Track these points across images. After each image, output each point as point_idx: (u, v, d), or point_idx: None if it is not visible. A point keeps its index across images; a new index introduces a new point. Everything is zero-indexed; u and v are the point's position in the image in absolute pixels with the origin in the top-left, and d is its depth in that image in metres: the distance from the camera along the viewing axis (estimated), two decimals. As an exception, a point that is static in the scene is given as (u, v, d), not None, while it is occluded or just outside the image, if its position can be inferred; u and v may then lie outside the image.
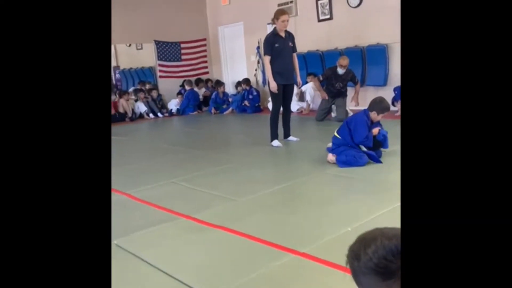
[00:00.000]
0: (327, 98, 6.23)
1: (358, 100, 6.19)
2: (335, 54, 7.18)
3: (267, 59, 4.59)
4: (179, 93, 9.03)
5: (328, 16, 7.36)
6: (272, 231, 2.36)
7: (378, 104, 3.58)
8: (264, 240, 2.22)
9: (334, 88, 6.13)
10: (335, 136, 3.71)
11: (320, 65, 7.49)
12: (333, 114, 6.36)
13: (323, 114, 6.32)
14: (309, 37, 7.64)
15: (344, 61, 5.98)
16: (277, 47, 4.57)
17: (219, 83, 9.03)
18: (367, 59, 6.80)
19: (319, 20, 7.49)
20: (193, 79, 9.36)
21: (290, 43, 4.71)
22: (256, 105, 8.17)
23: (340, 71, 6.05)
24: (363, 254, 0.88)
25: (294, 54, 4.81)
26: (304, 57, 7.80)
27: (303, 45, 7.80)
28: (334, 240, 2.12)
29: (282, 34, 4.62)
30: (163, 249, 2.27)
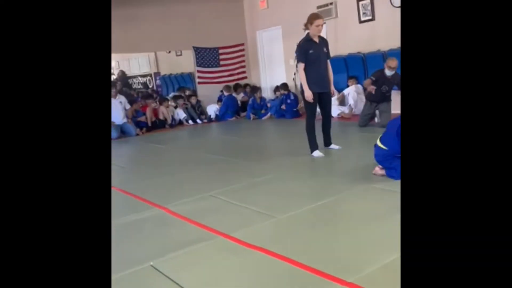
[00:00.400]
0: (374, 91, 5.84)
1: None
2: (378, 56, 6.89)
3: (301, 66, 4.38)
4: (219, 99, 9.03)
5: (370, 17, 7.08)
6: (315, 254, 2.19)
7: None
8: (306, 266, 2.06)
9: (380, 91, 5.81)
10: (378, 146, 3.47)
11: (362, 68, 7.22)
12: (376, 120, 6.08)
13: (366, 120, 6.05)
14: (350, 39, 7.39)
15: (393, 62, 5.66)
16: (312, 53, 4.36)
17: (255, 89, 8.94)
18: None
19: (361, 21, 7.22)
20: (231, 84, 9.32)
21: (324, 49, 4.49)
22: (294, 110, 8.00)
23: (388, 73, 5.72)
24: None
25: (328, 61, 4.59)
26: (345, 60, 7.56)
27: (344, 47, 7.56)
28: (384, 268, 1.93)
29: (316, 40, 4.40)
30: (199, 272, 2.17)
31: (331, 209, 2.93)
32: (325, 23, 7.64)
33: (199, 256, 2.35)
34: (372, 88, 5.80)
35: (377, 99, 5.87)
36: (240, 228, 2.64)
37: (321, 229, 2.59)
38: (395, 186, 3.15)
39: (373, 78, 5.84)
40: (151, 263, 2.27)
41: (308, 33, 4.44)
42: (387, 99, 5.88)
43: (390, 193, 3.06)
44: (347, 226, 2.58)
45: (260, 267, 2.15)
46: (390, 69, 5.69)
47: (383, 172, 3.39)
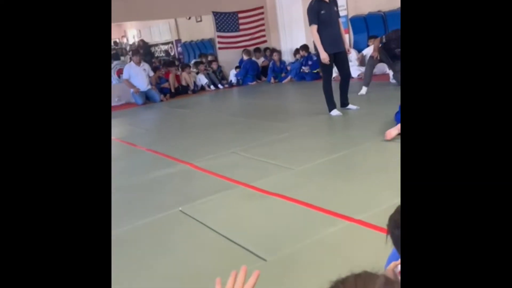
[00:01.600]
0: (377, 57, 5.78)
1: None
2: (399, 14, 6.79)
3: (314, 28, 4.37)
4: (238, 66, 9.12)
5: (390, -26, 6.93)
6: (328, 199, 2.39)
7: None
8: (320, 208, 2.27)
9: (392, 53, 5.69)
10: None
11: (383, 27, 7.14)
12: (391, 80, 6.08)
13: (372, 69, 5.95)
14: (370, -3, 7.28)
15: None
16: (323, 13, 4.36)
17: (274, 52, 8.98)
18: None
19: (381, -21, 7.09)
20: (251, 48, 9.37)
21: (335, 8, 4.49)
22: (315, 71, 8.02)
23: None
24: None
25: (340, 20, 4.60)
26: (365, 19, 7.48)
27: (363, 6, 7.47)
28: (390, 208, 2.10)
29: (327, 0, 4.43)
30: (223, 215, 2.41)
31: (345, 161, 3.10)
32: (343, -19, 7.53)
33: (222, 202, 2.59)
34: (376, 55, 5.75)
35: (393, 57, 5.76)
36: (259, 178, 2.85)
37: (335, 178, 2.78)
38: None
39: (384, 40, 5.75)
40: (180, 208, 2.53)
41: None
42: (399, 58, 5.79)
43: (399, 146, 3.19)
44: (359, 175, 2.75)
45: (278, 210, 2.38)
46: None
47: (394, 134, 3.33)
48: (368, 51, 7.08)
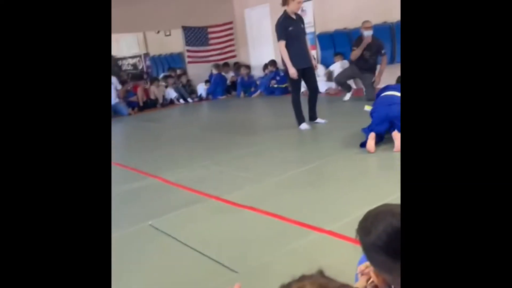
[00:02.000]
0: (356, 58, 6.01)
1: (380, 78, 6.02)
2: (363, 32, 7.04)
3: (282, 44, 4.46)
4: (207, 80, 9.15)
5: (355, -7, 7.20)
6: (299, 210, 2.42)
7: None
8: (291, 219, 2.29)
9: (362, 57, 5.96)
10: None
11: (348, 44, 7.36)
12: (364, 93, 6.30)
13: (343, 78, 6.22)
14: (336, 15, 7.51)
15: (367, 23, 5.84)
16: (291, 30, 4.47)
17: (240, 67, 9.08)
18: (397, 35, 6.62)
19: (346, -2, 7.34)
20: (221, 63, 9.43)
21: (301, 25, 4.62)
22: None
23: (366, 33, 5.85)
24: (374, 232, 0.91)
25: (306, 36, 4.74)
26: (331, 36, 7.70)
27: (330, 23, 7.69)
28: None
29: (294, 17, 4.52)
30: (194, 229, 2.38)
31: (315, 172, 3.16)
32: (311, 0, 7.75)
33: (193, 215, 2.57)
34: (356, 54, 5.95)
35: (361, 65, 6.00)
36: (231, 191, 2.85)
37: (305, 190, 2.81)
38: (376, 152, 3.38)
39: (355, 48, 6.02)
40: (150, 223, 2.49)
41: (285, 11, 4.53)
42: (370, 69, 6.03)
43: (370, 157, 3.29)
44: (329, 187, 2.81)
45: (249, 222, 2.38)
46: (367, 29, 5.85)
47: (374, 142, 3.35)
48: (335, 67, 7.28)
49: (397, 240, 0.85)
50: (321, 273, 0.79)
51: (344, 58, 7.33)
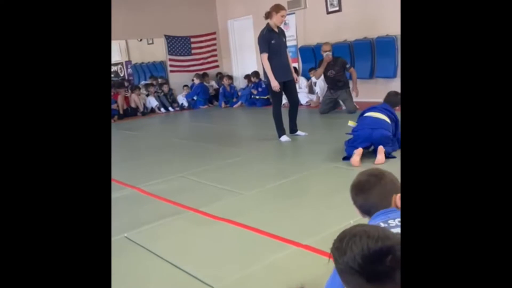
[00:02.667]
0: (321, 74, 6.38)
1: (357, 89, 6.22)
2: (344, 46, 7.15)
3: (265, 56, 4.49)
4: (186, 85, 9.13)
5: (337, 8, 7.32)
6: (276, 224, 2.41)
7: (396, 97, 3.76)
8: (268, 233, 2.28)
9: (328, 77, 6.27)
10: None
11: (329, 57, 7.47)
12: (343, 107, 6.39)
13: (327, 107, 6.41)
14: (318, 29, 7.62)
15: (326, 46, 6.26)
16: (274, 43, 4.51)
17: (222, 77, 9.10)
18: (377, 50, 6.75)
19: (328, 12, 7.46)
20: (201, 73, 9.43)
21: (283, 39, 4.68)
22: (265, 97, 8.19)
23: (325, 55, 6.21)
24: (349, 253, 0.89)
25: (287, 50, 4.80)
26: (313, 50, 7.79)
27: (312, 38, 7.80)
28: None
29: (276, 30, 4.58)
30: (171, 242, 2.35)
31: (294, 185, 3.16)
32: (294, 13, 7.86)
33: (170, 228, 2.53)
34: (320, 72, 6.35)
35: (332, 85, 6.28)
36: (208, 203, 2.83)
37: (284, 203, 2.81)
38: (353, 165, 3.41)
39: (317, 70, 6.41)
40: (125, 235, 2.44)
41: (268, 23, 4.57)
42: (343, 86, 6.25)
43: (349, 171, 3.31)
44: (308, 200, 2.82)
45: (226, 236, 2.36)
46: (325, 51, 6.22)
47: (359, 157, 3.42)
48: (316, 80, 7.36)
49: (373, 263, 0.84)
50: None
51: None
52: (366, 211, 1.41)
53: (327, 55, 6.21)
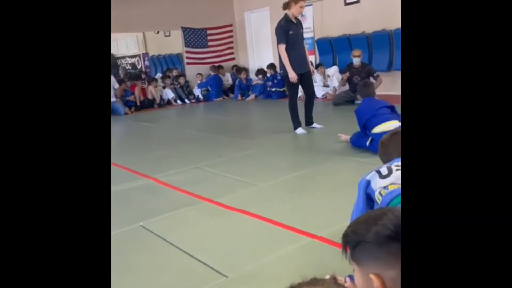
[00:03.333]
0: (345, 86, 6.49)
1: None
2: (362, 38, 7.06)
3: (282, 47, 4.46)
4: (199, 73, 9.16)
5: (355, 0, 7.23)
6: (291, 215, 2.41)
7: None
8: (282, 224, 2.28)
9: (352, 82, 6.27)
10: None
11: (349, 49, 7.37)
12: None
13: (340, 100, 6.44)
14: (336, 21, 7.54)
15: (356, 51, 6.22)
16: (292, 34, 4.47)
17: (240, 70, 9.08)
18: (395, 42, 6.65)
19: (346, 4, 7.37)
20: (216, 65, 9.44)
21: (301, 30, 4.64)
22: (281, 89, 8.15)
23: (355, 61, 6.20)
24: (375, 227, 0.89)
25: (304, 42, 4.76)
26: (330, 42, 7.72)
27: (329, 29, 7.72)
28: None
29: (294, 21, 4.53)
30: (185, 231, 2.37)
31: (309, 177, 3.15)
32: (311, 4, 7.78)
33: (185, 217, 2.55)
34: (344, 82, 6.49)
35: (354, 89, 6.21)
36: (223, 194, 2.84)
37: (298, 195, 2.81)
38: (370, 158, 3.38)
39: (344, 78, 6.43)
40: (141, 224, 2.47)
41: (286, 14, 4.53)
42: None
43: (365, 164, 3.28)
44: (322, 193, 2.80)
45: (241, 226, 2.37)
46: (355, 57, 6.18)
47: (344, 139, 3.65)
48: (333, 72, 7.30)
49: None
50: (334, 278, 0.77)
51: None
52: (387, 161, 1.74)
53: (356, 62, 6.22)
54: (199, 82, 9.08)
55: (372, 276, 0.89)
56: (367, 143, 3.52)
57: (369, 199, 1.69)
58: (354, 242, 0.93)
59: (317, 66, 7.39)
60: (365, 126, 3.56)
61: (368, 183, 1.67)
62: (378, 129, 3.44)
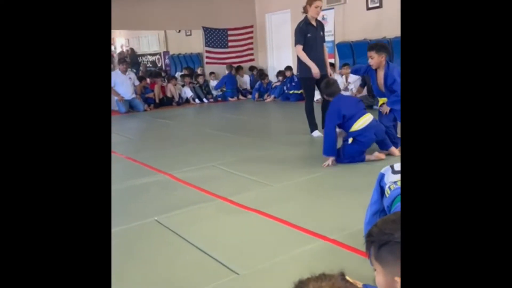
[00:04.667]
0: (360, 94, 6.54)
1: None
2: (384, 43, 7.00)
3: (300, 48, 4.50)
4: (212, 72, 9.24)
5: (377, 4, 7.18)
6: (304, 217, 2.41)
7: (331, 88, 3.69)
8: (296, 225, 2.28)
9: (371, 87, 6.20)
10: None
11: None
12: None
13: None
14: (357, 25, 7.50)
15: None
16: (310, 37, 4.49)
17: (264, 75, 9.11)
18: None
19: (368, 8, 7.32)
20: (235, 66, 9.49)
21: (321, 33, 4.63)
22: (299, 92, 8.14)
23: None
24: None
25: (324, 44, 4.75)
26: (351, 47, 7.67)
27: (350, 33, 7.68)
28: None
29: (314, 23, 4.54)
30: (199, 227, 2.39)
31: (324, 180, 3.14)
32: (333, 8, 7.75)
33: (199, 214, 2.58)
34: (360, 90, 6.58)
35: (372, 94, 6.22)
36: (238, 193, 2.86)
37: (313, 197, 2.80)
38: (384, 162, 3.34)
39: (360, 91, 6.55)
40: (156, 218, 2.51)
41: (306, 16, 4.55)
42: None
43: (379, 167, 3.25)
44: (336, 195, 2.79)
45: (254, 225, 2.38)
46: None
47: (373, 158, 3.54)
48: (353, 79, 7.26)
49: None
50: (342, 275, 0.75)
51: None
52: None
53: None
54: (211, 81, 9.17)
55: (398, 279, 0.86)
56: (349, 141, 3.53)
57: (382, 192, 1.70)
58: (381, 241, 0.89)
59: (343, 65, 7.33)
60: (342, 126, 3.56)
61: (383, 176, 1.69)
62: (356, 126, 3.51)
